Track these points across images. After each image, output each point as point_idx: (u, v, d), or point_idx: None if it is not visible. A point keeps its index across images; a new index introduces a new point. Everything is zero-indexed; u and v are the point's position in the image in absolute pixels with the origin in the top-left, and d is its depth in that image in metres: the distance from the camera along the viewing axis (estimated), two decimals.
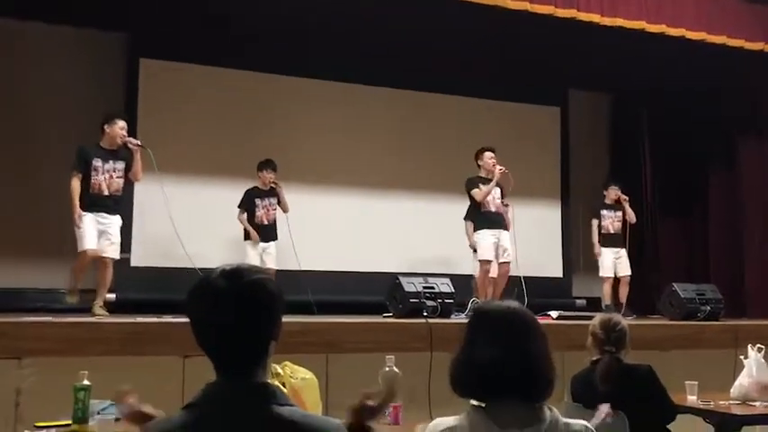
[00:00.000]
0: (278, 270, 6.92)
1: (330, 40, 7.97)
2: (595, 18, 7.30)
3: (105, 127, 5.95)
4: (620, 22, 7.38)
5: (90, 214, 5.80)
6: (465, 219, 7.49)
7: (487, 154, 7.15)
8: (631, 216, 8.21)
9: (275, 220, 7.29)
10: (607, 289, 8.19)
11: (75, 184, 5.79)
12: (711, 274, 8.92)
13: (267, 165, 7.26)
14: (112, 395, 1.87)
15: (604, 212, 8.25)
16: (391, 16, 7.60)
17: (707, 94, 9.19)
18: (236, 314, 1.58)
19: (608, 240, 8.21)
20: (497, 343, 1.83)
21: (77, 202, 5.76)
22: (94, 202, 5.84)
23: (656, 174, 9.63)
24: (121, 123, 5.99)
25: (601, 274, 8.22)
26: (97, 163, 5.86)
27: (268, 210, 7.24)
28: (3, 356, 4.24)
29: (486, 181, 7.05)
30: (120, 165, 5.95)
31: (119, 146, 5.96)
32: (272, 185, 7.19)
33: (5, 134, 7.24)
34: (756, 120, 8.98)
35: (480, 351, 1.84)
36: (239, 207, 7.28)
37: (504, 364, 1.81)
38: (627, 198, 8.28)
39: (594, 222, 8.25)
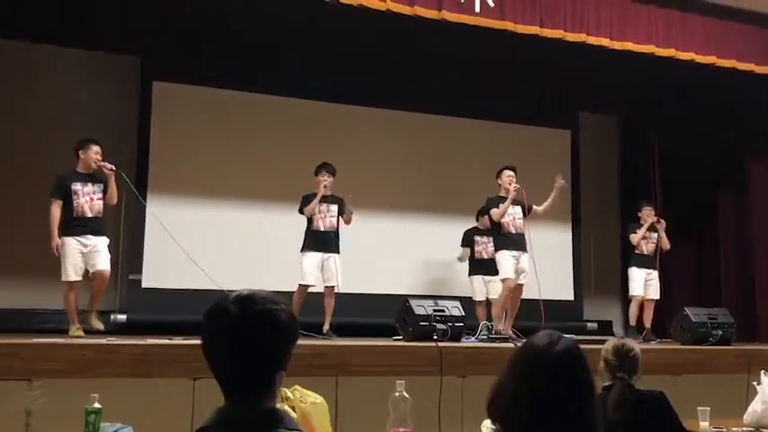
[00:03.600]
0: (282, 291, 6.83)
1: (344, 64, 8.05)
2: (605, 42, 7.33)
3: (80, 152, 6.06)
4: (629, 46, 7.40)
5: (73, 238, 5.85)
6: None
7: (505, 172, 7.12)
8: (665, 243, 8.03)
9: (337, 230, 6.97)
10: (635, 309, 8.02)
11: (56, 211, 5.87)
12: (722, 298, 8.87)
13: (324, 167, 6.91)
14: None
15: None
16: (401, 42, 7.66)
17: (717, 117, 9.19)
18: (244, 341, 1.58)
19: (641, 261, 8.09)
20: (544, 385, 1.76)
21: (56, 230, 5.83)
22: (79, 224, 5.90)
23: (665, 197, 9.59)
24: (95, 148, 6.08)
25: (631, 293, 8.10)
26: (77, 187, 5.96)
27: (325, 215, 6.95)
28: (13, 377, 4.24)
29: (505, 200, 7.03)
30: (99, 187, 6.05)
31: (94, 170, 6.06)
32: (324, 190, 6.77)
33: (20, 156, 7.32)
34: (766, 143, 8.96)
35: (527, 390, 1.77)
36: (300, 212, 6.95)
37: (551, 410, 1.74)
38: (664, 224, 8.08)
39: (632, 236, 8.06)
